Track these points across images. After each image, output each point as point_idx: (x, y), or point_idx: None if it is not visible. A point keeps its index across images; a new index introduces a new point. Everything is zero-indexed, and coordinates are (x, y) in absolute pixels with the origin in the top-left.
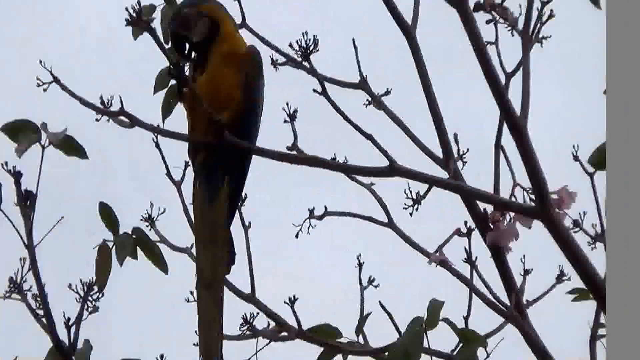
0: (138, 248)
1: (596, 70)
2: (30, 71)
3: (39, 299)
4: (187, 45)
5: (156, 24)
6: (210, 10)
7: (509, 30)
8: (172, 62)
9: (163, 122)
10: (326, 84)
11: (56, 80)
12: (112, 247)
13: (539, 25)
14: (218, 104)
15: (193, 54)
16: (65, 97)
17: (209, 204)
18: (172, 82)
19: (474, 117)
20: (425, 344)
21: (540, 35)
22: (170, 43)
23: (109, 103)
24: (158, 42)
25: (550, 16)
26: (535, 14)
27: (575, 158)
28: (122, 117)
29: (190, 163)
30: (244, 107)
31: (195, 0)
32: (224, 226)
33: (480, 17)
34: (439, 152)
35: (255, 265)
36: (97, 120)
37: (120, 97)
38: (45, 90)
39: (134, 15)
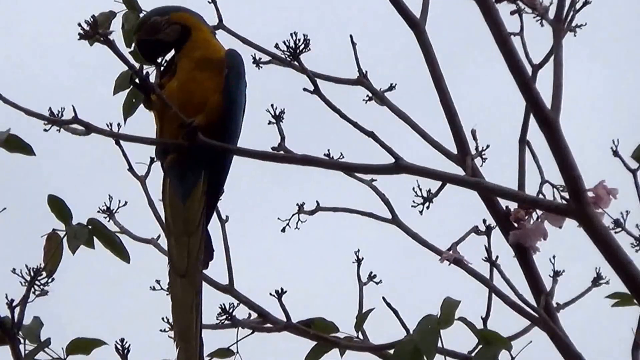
0: (95, 238)
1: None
2: None
3: None
4: (154, 51)
5: (117, 29)
6: (182, 18)
7: (537, 21)
8: (135, 69)
9: (125, 122)
10: (322, 82)
11: None
12: (64, 236)
13: (572, 12)
14: (191, 108)
15: (160, 59)
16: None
17: (183, 202)
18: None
19: (494, 112)
20: (439, 345)
21: (573, 24)
22: (137, 50)
23: (59, 114)
24: (117, 53)
25: (586, 2)
26: (568, 1)
27: (615, 153)
28: (76, 125)
29: (156, 159)
30: (222, 109)
31: (167, 9)
32: (199, 223)
33: (503, 9)
34: (452, 149)
35: (251, 261)
36: (45, 130)
37: (73, 106)
38: None
39: (89, 28)
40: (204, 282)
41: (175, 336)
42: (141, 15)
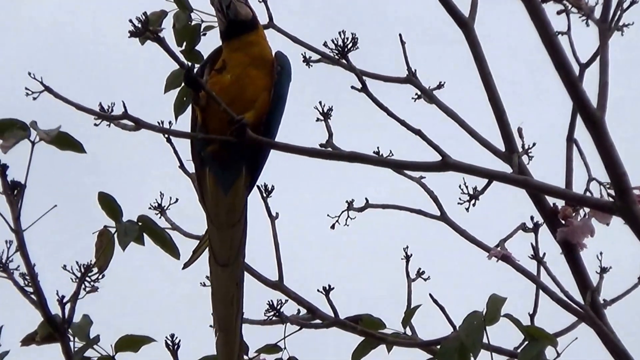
0: (145, 235)
1: None
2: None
3: (27, 277)
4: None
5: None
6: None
7: (582, 20)
8: (186, 67)
9: (176, 120)
10: (370, 80)
11: (48, 89)
12: (114, 233)
13: (619, 12)
14: (242, 103)
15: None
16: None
17: (225, 193)
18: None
19: (542, 113)
20: (485, 341)
21: (620, 23)
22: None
23: (110, 109)
24: (168, 51)
25: (633, 2)
26: (615, 1)
27: None
28: (125, 121)
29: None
30: (269, 107)
31: None
32: (241, 214)
33: (550, 8)
34: (500, 146)
35: (300, 257)
36: (95, 125)
37: (123, 102)
38: (35, 99)
39: (140, 26)
40: (253, 279)
41: (215, 326)
42: (192, 15)
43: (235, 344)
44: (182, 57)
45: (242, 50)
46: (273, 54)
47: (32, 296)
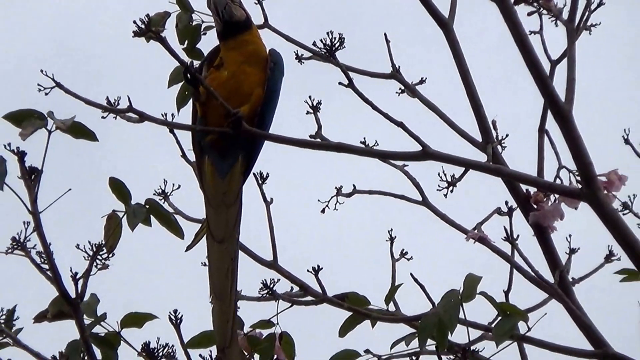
0: (152, 217)
1: None
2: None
3: (43, 256)
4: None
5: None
6: (245, 10)
7: (552, 21)
8: (186, 65)
9: (178, 113)
10: (357, 76)
11: (58, 85)
12: (123, 215)
13: (586, 13)
14: (238, 97)
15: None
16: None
17: (222, 178)
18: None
19: (516, 106)
20: (462, 317)
21: (588, 24)
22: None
23: (116, 103)
24: (169, 50)
25: (600, 4)
26: (583, 3)
27: (626, 141)
28: (130, 114)
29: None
30: (263, 101)
31: None
32: (237, 196)
33: (522, 9)
34: (478, 137)
35: (293, 239)
36: (103, 117)
37: (128, 96)
38: (46, 94)
39: (143, 26)
40: (249, 259)
41: (211, 296)
42: (193, 15)
43: (230, 311)
44: (184, 55)
45: (237, 49)
46: (267, 51)
47: (48, 273)
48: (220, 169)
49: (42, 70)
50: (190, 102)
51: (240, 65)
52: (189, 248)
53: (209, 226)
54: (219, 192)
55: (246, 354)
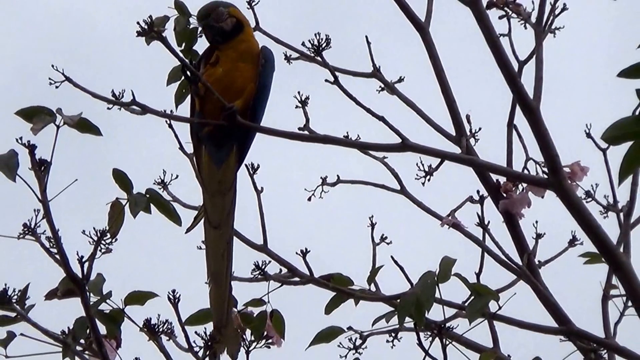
0: (152, 205)
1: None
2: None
3: (52, 240)
4: (216, 35)
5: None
6: (236, 13)
7: (521, 24)
8: (186, 63)
9: (176, 109)
10: (341, 75)
11: (68, 79)
12: (126, 204)
13: (552, 17)
14: (232, 92)
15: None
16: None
17: (218, 167)
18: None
19: (487, 102)
20: (437, 296)
21: (553, 27)
22: (203, 32)
23: (120, 95)
24: (170, 49)
25: (564, 9)
26: (548, 7)
27: (588, 135)
28: (134, 106)
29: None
30: (255, 95)
31: (226, 3)
32: (231, 184)
33: (493, 13)
34: (451, 131)
35: (282, 225)
36: (108, 109)
37: (131, 90)
38: (57, 87)
39: (146, 27)
40: (242, 243)
41: (208, 278)
42: (190, 19)
43: (226, 293)
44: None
45: (232, 48)
46: (259, 47)
47: (56, 256)
48: (216, 158)
49: (53, 65)
50: (188, 98)
51: (235, 62)
52: (187, 230)
53: (206, 213)
54: (214, 181)
55: (240, 331)
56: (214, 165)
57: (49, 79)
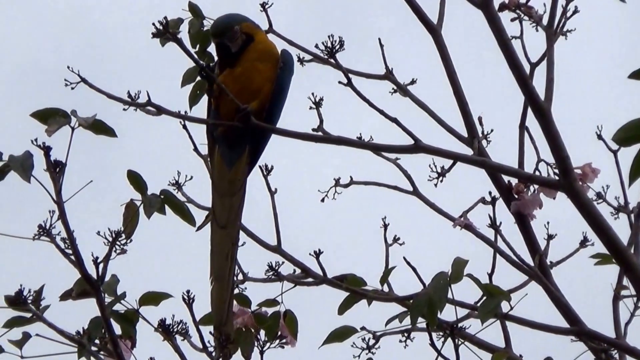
0: (166, 206)
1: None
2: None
3: (67, 241)
4: (228, 53)
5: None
6: (248, 28)
7: (533, 27)
8: (201, 65)
9: (190, 110)
10: (353, 76)
11: (84, 80)
12: (140, 205)
13: (563, 20)
14: (249, 92)
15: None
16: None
17: (229, 167)
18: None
19: (498, 104)
20: (450, 297)
21: (564, 29)
22: (216, 50)
23: (136, 96)
24: (185, 50)
25: (575, 11)
26: (560, 10)
27: (599, 137)
28: (149, 107)
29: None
30: (272, 98)
31: (239, 19)
32: (241, 186)
33: (505, 16)
34: (463, 133)
35: (295, 226)
36: (124, 110)
37: (147, 91)
38: (72, 89)
39: (161, 28)
40: (256, 244)
41: (211, 276)
42: (204, 21)
43: (227, 292)
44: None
45: (249, 50)
46: (279, 50)
47: (71, 257)
48: (228, 159)
49: (69, 67)
50: (202, 100)
51: (253, 62)
52: (198, 229)
53: (214, 212)
54: (224, 181)
55: (252, 330)
56: (225, 166)
57: (65, 80)
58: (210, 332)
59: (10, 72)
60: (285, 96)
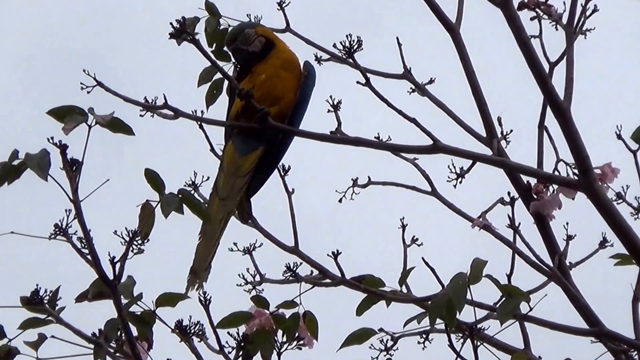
0: (184, 205)
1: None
2: None
3: (83, 241)
4: (245, 58)
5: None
6: (265, 32)
7: (552, 25)
8: (218, 66)
9: (207, 110)
10: (371, 76)
11: (100, 84)
12: (157, 205)
13: (583, 18)
14: (271, 98)
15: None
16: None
17: (240, 155)
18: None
19: (517, 103)
20: (469, 298)
21: (584, 28)
22: (232, 56)
23: (153, 101)
24: (201, 50)
25: (595, 10)
26: (579, 9)
27: (619, 137)
28: (166, 110)
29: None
30: (294, 106)
31: (252, 24)
32: (247, 172)
33: (524, 14)
34: (482, 133)
35: (313, 227)
36: (141, 115)
37: (164, 94)
38: (88, 92)
39: (178, 27)
40: (273, 245)
41: (200, 234)
42: (221, 20)
43: (212, 250)
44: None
45: (274, 57)
46: (300, 62)
47: (88, 257)
48: (240, 150)
49: (84, 70)
50: (219, 99)
51: (277, 70)
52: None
53: (216, 184)
54: (233, 164)
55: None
56: (236, 153)
57: (81, 83)
58: (228, 333)
59: (24, 73)
60: (306, 107)
